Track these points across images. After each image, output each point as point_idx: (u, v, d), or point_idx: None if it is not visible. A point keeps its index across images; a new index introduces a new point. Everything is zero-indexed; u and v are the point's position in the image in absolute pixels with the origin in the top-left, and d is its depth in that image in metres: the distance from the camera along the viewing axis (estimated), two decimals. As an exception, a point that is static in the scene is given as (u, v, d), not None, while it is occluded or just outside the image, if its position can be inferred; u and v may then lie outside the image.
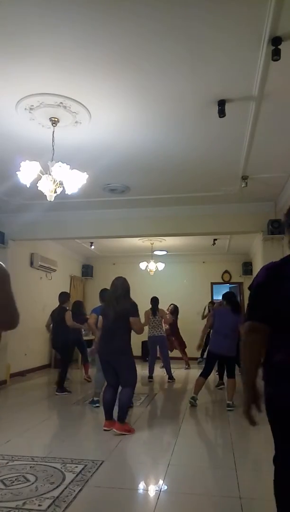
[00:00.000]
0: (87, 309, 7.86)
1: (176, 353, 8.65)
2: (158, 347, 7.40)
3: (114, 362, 3.98)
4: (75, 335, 6.72)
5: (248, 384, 1.67)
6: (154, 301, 7.58)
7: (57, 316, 6.30)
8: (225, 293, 5.65)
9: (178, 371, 7.99)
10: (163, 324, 7.54)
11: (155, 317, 7.39)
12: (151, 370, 7.33)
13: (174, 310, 8.96)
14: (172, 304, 9.03)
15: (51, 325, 6.43)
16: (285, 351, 1.57)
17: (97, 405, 5.05)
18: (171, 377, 7.25)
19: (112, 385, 4.04)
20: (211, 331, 5.46)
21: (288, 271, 1.66)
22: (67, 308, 6.41)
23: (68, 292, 6.78)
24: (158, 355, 7.51)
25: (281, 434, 1.65)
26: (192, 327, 8.90)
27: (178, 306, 9.10)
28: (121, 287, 4.10)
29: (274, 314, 1.61)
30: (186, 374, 8.12)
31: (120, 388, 4.06)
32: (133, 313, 4.03)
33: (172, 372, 7.33)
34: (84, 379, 7.08)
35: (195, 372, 8.21)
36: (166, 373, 7.31)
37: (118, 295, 4.07)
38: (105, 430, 3.97)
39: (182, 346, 8.86)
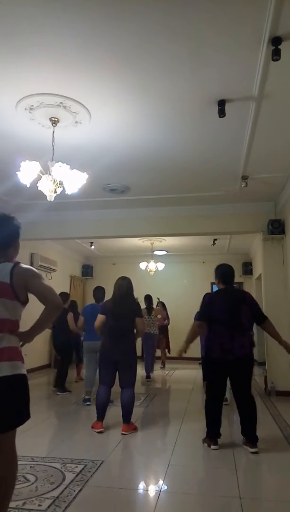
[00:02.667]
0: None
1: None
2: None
3: (122, 361, 3.99)
4: (74, 335, 6.72)
5: (187, 343, 3.71)
6: (148, 300, 7.58)
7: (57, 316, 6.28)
8: None
9: (156, 372, 8.06)
10: (156, 323, 7.61)
11: (150, 317, 7.42)
12: (149, 368, 7.30)
13: (163, 307, 8.94)
14: (159, 301, 8.97)
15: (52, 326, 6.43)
16: (213, 331, 3.54)
17: (88, 403, 5.10)
18: (149, 376, 7.22)
19: (109, 385, 4.05)
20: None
21: (216, 299, 3.68)
22: (66, 308, 6.40)
23: (67, 292, 6.76)
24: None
25: (211, 369, 3.60)
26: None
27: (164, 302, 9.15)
28: (126, 286, 4.13)
29: (209, 318, 3.58)
30: (166, 374, 8.16)
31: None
32: (139, 314, 4.17)
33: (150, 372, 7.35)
34: (76, 381, 6.98)
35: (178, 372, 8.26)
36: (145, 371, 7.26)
37: (126, 295, 4.11)
38: (97, 432, 3.93)
39: (167, 346, 8.89)
